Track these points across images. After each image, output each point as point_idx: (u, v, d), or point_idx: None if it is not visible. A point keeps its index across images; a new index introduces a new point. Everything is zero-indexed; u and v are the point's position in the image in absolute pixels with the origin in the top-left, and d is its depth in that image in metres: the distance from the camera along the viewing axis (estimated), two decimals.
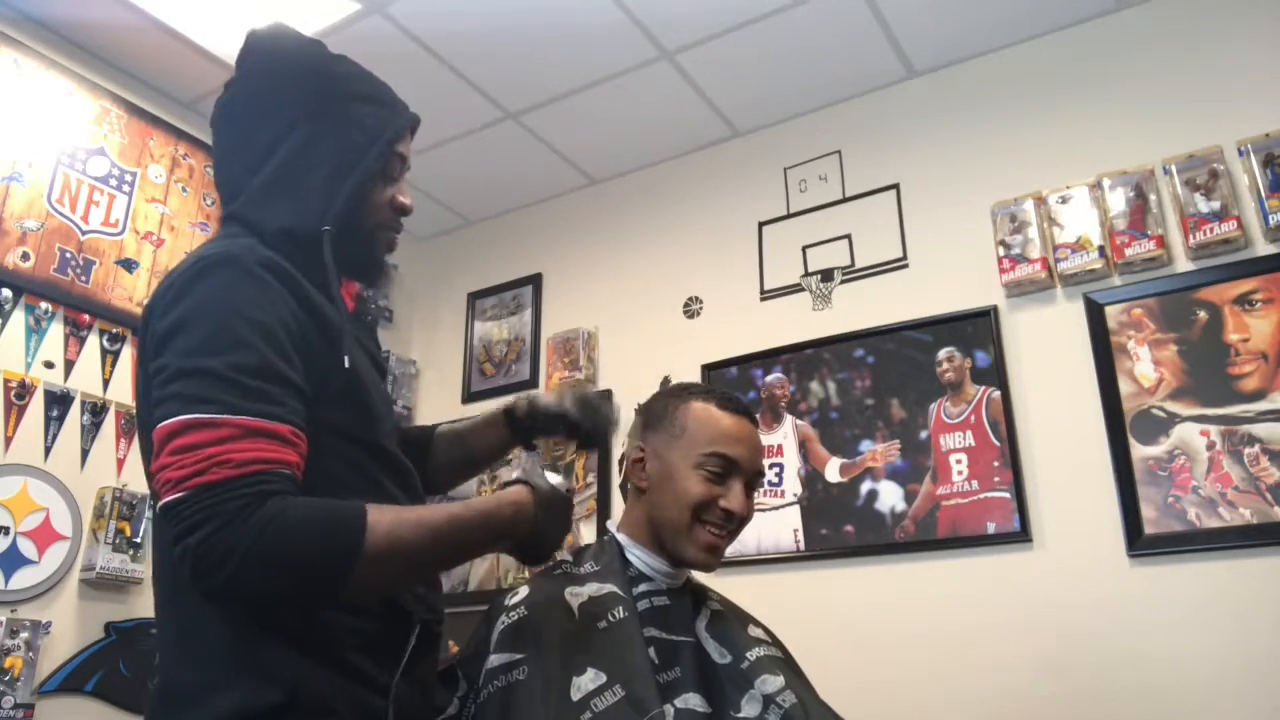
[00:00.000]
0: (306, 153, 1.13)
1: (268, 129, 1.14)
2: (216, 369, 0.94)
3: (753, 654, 1.29)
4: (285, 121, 1.14)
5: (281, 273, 1.04)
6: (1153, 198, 2.25)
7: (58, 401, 2.38)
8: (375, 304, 3.28)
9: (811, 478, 2.54)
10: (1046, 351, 2.31)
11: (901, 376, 2.48)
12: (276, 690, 0.96)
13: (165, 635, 1.05)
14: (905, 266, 2.58)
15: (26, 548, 2.24)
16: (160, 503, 0.92)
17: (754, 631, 1.36)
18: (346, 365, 1.07)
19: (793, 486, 2.55)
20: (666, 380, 1.58)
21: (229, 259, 1.02)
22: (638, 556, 1.31)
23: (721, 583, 1.48)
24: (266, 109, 1.15)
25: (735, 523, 1.30)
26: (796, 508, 2.53)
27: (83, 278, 2.47)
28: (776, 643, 1.38)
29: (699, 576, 1.39)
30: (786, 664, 1.34)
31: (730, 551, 1.34)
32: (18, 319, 2.34)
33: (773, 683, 1.25)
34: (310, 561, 0.92)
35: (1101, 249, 2.28)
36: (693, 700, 1.15)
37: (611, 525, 1.37)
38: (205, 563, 0.88)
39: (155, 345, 1.01)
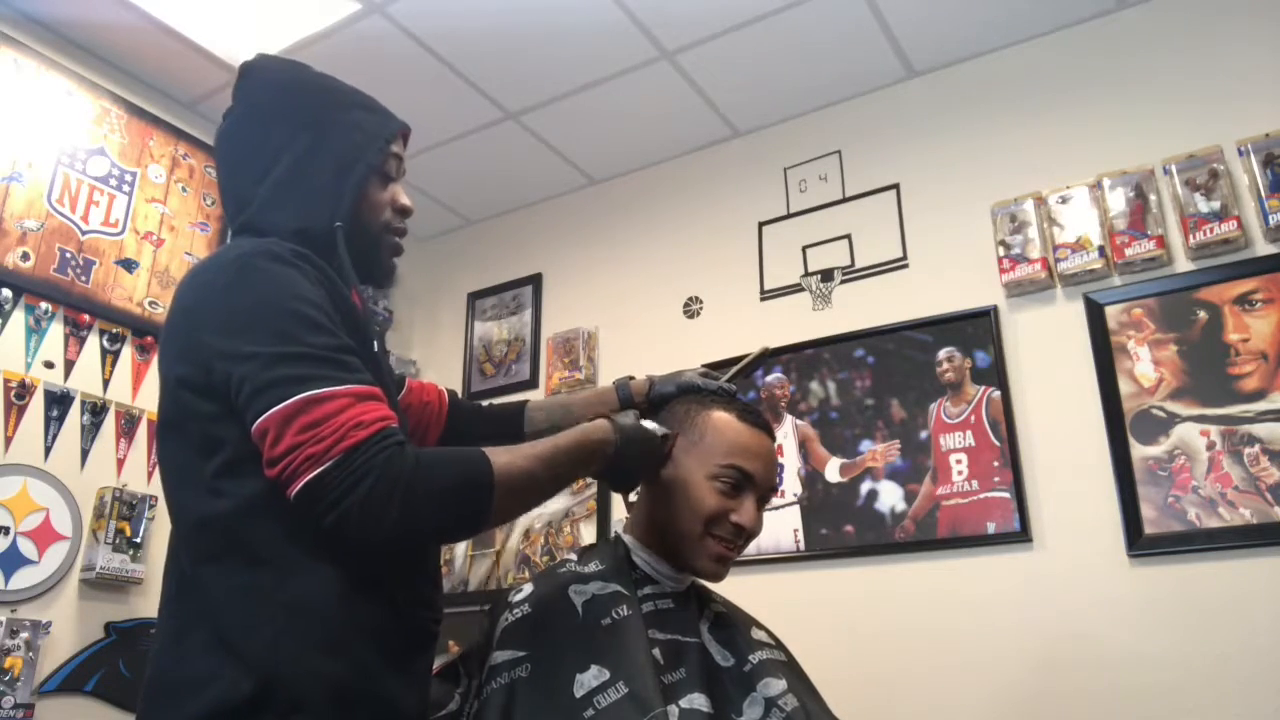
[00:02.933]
0: (311, 157, 1.19)
1: (272, 140, 1.19)
2: (308, 350, 1.00)
3: (755, 657, 1.29)
4: (288, 131, 1.19)
5: (313, 262, 1.10)
6: (1153, 198, 2.25)
7: (58, 401, 2.38)
8: (383, 311, 3.28)
9: (811, 478, 2.54)
10: (1046, 351, 2.31)
11: (901, 376, 2.48)
12: (251, 683, 0.96)
13: (165, 630, 1.06)
14: (905, 266, 2.58)
15: (26, 548, 2.24)
16: (304, 481, 0.95)
17: (757, 635, 1.36)
18: (375, 348, 1.13)
19: (793, 486, 2.55)
20: (766, 351, 1.62)
21: (266, 252, 1.07)
22: (644, 559, 1.31)
23: (722, 583, 1.47)
24: (269, 122, 1.21)
25: (744, 537, 1.30)
26: (796, 508, 2.53)
27: (83, 278, 2.47)
28: (780, 646, 1.38)
29: (702, 580, 1.39)
30: (789, 667, 1.34)
31: None
32: (18, 319, 2.34)
33: (775, 686, 1.25)
34: (459, 493, 1.02)
35: (1101, 249, 2.28)
36: (698, 701, 1.15)
37: (619, 527, 1.38)
38: (374, 512, 0.95)
39: (220, 340, 1.02)
